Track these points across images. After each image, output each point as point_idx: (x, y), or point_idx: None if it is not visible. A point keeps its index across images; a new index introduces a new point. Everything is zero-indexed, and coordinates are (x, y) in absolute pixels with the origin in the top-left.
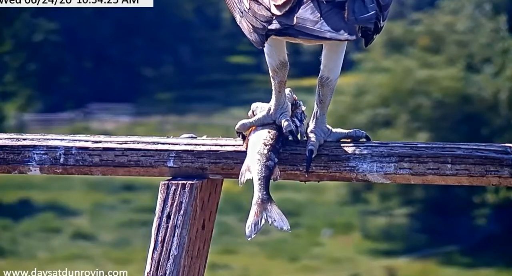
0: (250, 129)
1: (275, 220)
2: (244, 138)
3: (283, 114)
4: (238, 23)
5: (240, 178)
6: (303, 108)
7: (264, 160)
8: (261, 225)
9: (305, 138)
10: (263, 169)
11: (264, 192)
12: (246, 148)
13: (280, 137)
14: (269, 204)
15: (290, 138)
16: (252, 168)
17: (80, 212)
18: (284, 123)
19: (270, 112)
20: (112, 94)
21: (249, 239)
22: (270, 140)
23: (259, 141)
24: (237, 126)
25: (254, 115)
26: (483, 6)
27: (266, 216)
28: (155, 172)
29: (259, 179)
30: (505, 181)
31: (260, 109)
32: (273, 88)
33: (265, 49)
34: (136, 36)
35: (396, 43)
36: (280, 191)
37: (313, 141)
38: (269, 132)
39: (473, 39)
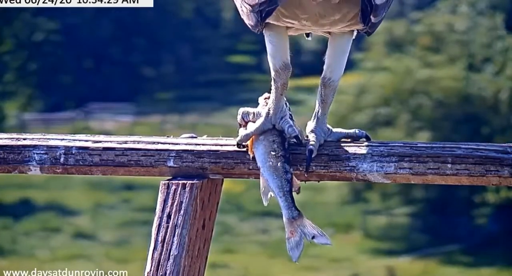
0: (251, 139)
1: (314, 237)
2: (244, 147)
3: (283, 118)
4: (239, 10)
5: (263, 198)
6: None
7: (281, 174)
8: (303, 244)
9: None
10: (283, 183)
11: (293, 208)
12: (253, 156)
13: (285, 143)
14: (301, 220)
15: (293, 141)
16: (271, 185)
17: (80, 211)
18: (289, 129)
19: (269, 116)
20: (112, 94)
21: (296, 262)
22: (280, 151)
23: (268, 154)
24: (238, 139)
25: (244, 121)
26: (478, 4)
27: (303, 233)
28: (155, 172)
29: (283, 195)
30: (505, 180)
31: (252, 114)
32: (273, 90)
33: (268, 49)
34: (136, 36)
35: (397, 43)
36: None
37: (313, 141)
38: (274, 141)
39: (473, 38)
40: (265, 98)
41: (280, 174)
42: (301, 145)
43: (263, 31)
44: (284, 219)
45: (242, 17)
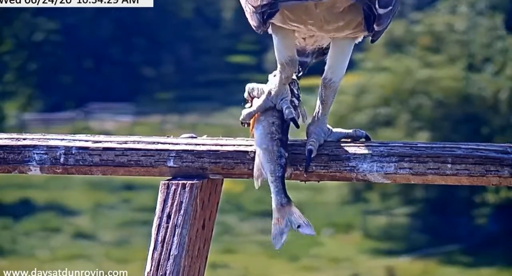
0: (254, 117)
1: (299, 226)
2: (248, 125)
3: (284, 99)
4: (244, 9)
5: (255, 181)
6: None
7: (276, 158)
8: (287, 232)
9: (305, 120)
10: (276, 168)
11: (282, 195)
12: (252, 135)
13: (284, 125)
14: (289, 208)
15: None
16: (264, 169)
17: (80, 211)
18: (286, 110)
19: (271, 95)
20: (112, 94)
21: (278, 249)
22: (277, 134)
23: (266, 137)
24: (241, 117)
25: (250, 97)
26: (478, 5)
27: (290, 222)
28: (155, 172)
29: (275, 180)
30: (505, 181)
31: (257, 90)
32: (277, 77)
33: (274, 43)
34: (136, 36)
35: (397, 43)
36: None
37: (313, 141)
38: (273, 123)
39: (473, 38)
40: (275, 76)
41: (274, 158)
42: (300, 143)
43: (270, 28)
44: (273, 205)
45: (246, 16)
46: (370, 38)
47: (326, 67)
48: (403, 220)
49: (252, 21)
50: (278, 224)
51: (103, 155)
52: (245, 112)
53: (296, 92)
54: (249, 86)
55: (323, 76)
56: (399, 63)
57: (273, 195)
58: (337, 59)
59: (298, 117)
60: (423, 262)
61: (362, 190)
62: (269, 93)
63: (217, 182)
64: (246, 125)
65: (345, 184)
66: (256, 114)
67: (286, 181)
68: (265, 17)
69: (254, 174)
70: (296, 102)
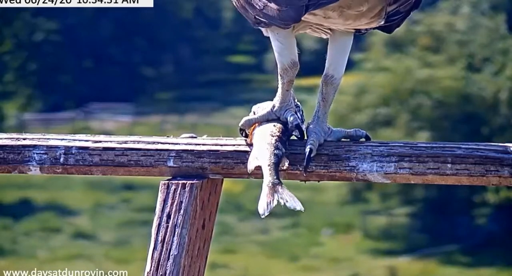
0: (253, 126)
1: (287, 201)
2: (246, 136)
3: (287, 110)
4: (267, 3)
5: (249, 165)
6: (302, 109)
7: (272, 149)
8: (273, 204)
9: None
10: (272, 156)
11: (275, 177)
12: (251, 143)
13: (286, 131)
14: (280, 187)
15: (294, 135)
16: (260, 156)
17: (80, 211)
18: (290, 118)
19: (275, 108)
20: (112, 94)
21: (262, 216)
22: (277, 132)
23: (266, 133)
24: (241, 123)
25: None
26: (480, 5)
27: (278, 197)
28: (155, 172)
29: (268, 165)
30: (505, 180)
31: (262, 108)
32: (279, 86)
33: (275, 47)
34: (136, 36)
35: (397, 43)
36: None
37: (313, 140)
38: (274, 126)
39: (473, 38)
40: (259, 107)
41: (270, 149)
42: (301, 140)
43: (269, 31)
44: (264, 184)
45: (262, 12)
46: (361, 32)
47: (326, 65)
48: (403, 220)
49: (286, 14)
50: (267, 198)
51: (103, 155)
52: (246, 118)
53: (300, 117)
54: (255, 107)
55: (324, 74)
56: (399, 63)
57: (265, 177)
58: (337, 56)
59: (304, 131)
60: (422, 262)
61: (362, 190)
62: (273, 106)
63: (217, 182)
64: (243, 133)
65: (345, 184)
66: (256, 124)
67: (285, 181)
68: (310, 8)
69: (248, 160)
70: (300, 122)
